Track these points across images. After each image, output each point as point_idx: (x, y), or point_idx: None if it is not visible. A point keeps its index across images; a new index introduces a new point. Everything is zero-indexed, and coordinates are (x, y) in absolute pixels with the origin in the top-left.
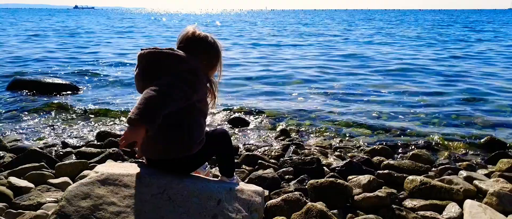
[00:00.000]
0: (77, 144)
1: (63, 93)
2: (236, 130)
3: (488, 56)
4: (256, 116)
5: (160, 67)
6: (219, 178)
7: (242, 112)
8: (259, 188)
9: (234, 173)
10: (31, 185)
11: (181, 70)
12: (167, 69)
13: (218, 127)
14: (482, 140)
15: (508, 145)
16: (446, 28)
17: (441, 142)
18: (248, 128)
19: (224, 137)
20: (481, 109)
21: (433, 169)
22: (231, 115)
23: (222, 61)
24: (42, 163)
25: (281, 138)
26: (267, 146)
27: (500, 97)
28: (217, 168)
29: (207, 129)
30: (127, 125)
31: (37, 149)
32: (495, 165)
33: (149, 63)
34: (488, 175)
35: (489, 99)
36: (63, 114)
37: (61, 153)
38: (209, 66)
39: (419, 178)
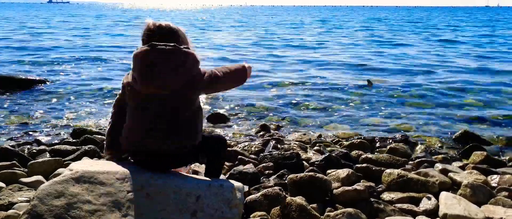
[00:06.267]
0: (52, 142)
1: (34, 88)
2: (216, 126)
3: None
4: (236, 112)
5: (168, 64)
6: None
7: (223, 109)
8: (239, 184)
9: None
10: (2, 184)
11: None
12: (178, 66)
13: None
14: (456, 134)
15: (481, 138)
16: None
17: (417, 135)
18: (228, 124)
19: (219, 143)
20: (456, 103)
21: (410, 162)
22: (210, 111)
23: None
24: (14, 161)
25: (261, 133)
26: (247, 141)
27: (474, 91)
28: (197, 164)
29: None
30: None
31: (8, 147)
32: (469, 158)
33: (157, 61)
34: (463, 168)
35: (464, 94)
36: (35, 111)
37: (34, 151)
38: None
39: (396, 171)
